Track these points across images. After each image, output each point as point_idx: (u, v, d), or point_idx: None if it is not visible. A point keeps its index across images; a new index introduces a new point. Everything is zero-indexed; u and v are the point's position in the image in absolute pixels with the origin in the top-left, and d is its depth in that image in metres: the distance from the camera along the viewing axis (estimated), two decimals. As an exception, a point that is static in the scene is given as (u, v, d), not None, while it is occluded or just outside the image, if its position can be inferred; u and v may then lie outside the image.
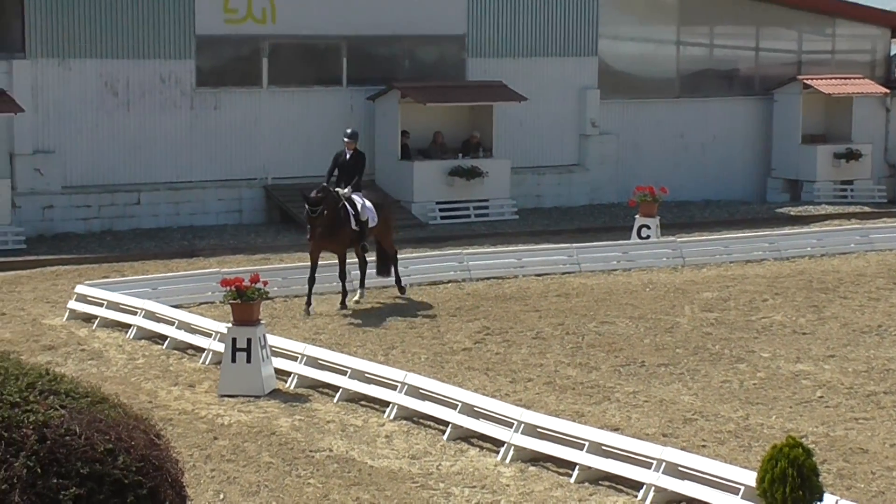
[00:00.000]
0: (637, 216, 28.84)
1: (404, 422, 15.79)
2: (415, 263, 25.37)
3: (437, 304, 22.97)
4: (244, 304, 17.01)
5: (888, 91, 37.78)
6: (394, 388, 16.23)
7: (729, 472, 12.60)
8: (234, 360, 16.92)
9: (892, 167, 37.99)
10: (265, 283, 17.31)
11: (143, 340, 20.15)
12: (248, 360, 16.88)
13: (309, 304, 22.03)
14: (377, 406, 16.37)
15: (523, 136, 34.78)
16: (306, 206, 21.73)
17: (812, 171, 36.70)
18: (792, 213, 34.80)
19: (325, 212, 21.73)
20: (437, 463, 14.30)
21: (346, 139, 22.99)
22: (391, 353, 19.20)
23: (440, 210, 32.58)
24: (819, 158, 36.63)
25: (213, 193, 31.60)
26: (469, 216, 32.79)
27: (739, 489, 12.31)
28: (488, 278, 25.26)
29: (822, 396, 16.84)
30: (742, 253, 27.91)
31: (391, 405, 16.07)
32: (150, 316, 20.43)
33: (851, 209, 35.23)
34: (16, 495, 7.78)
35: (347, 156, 22.81)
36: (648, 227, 28.56)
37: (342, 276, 22.50)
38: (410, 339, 20.20)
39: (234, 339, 16.97)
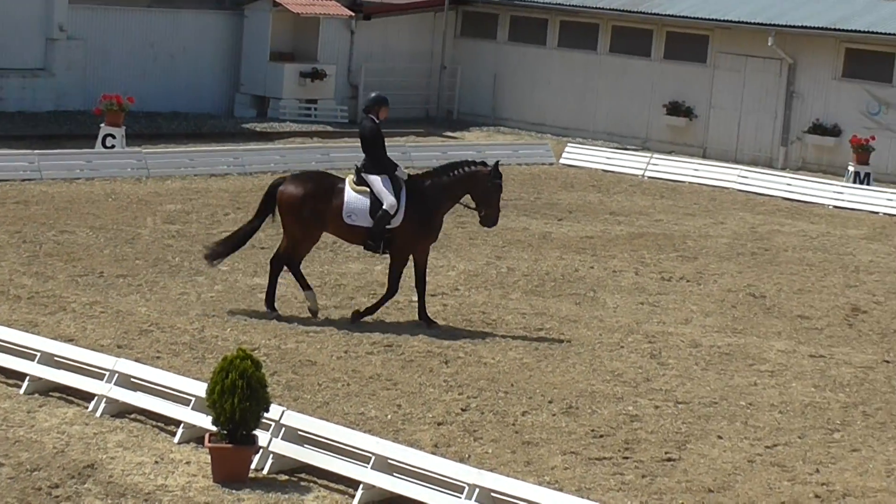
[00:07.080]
0: (102, 125, 28.51)
1: None
2: None
3: None
4: None
5: (353, 14, 38.83)
6: None
7: (180, 384, 12.79)
8: None
9: (354, 88, 39.11)
10: None
11: None
12: None
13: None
14: None
15: (-13, 36, 33.49)
16: (499, 182, 16.56)
17: (279, 88, 37.31)
18: (258, 129, 35.29)
19: None
20: None
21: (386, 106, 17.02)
22: None
23: None
24: (286, 76, 37.28)
25: None
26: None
27: (191, 400, 12.52)
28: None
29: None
30: (207, 166, 28.16)
31: None
32: None
33: (315, 128, 36.09)
34: None
35: None
36: (114, 137, 28.33)
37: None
38: None
39: None
